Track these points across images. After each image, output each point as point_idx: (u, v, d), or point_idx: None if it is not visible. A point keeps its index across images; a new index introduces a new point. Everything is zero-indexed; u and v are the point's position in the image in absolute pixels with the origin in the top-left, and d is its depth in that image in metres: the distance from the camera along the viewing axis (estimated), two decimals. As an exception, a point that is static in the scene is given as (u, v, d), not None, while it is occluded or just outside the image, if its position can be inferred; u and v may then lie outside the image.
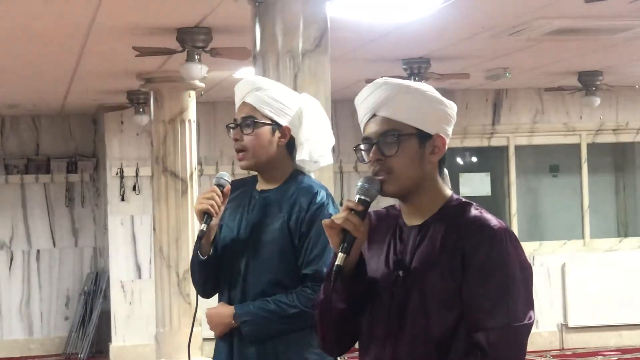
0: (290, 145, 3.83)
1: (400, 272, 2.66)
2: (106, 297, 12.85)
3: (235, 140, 3.80)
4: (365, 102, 2.72)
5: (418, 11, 7.38)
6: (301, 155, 3.82)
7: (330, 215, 3.66)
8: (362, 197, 2.63)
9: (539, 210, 13.11)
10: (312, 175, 3.93)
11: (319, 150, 3.87)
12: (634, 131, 12.87)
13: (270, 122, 3.78)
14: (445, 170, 2.76)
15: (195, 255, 3.83)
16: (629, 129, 12.85)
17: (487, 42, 8.72)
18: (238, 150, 3.81)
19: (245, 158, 3.79)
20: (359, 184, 2.66)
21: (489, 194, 12.59)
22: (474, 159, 13.08)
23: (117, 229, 12.55)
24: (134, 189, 12.56)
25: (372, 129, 2.69)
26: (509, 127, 12.60)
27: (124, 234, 12.55)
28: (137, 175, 12.53)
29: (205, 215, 3.73)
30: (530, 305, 2.60)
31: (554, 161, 13.11)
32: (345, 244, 2.62)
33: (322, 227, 3.68)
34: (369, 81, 2.78)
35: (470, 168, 12.96)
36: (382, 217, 2.80)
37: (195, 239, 3.85)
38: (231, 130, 3.84)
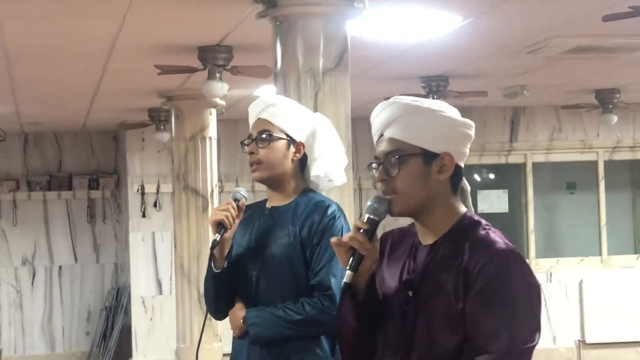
0: (302, 163, 3.87)
1: (410, 293, 2.63)
2: (127, 313, 12.88)
3: (251, 153, 3.84)
4: (375, 121, 2.71)
5: (436, 30, 7.39)
6: (315, 171, 3.87)
7: (342, 227, 3.73)
8: (371, 217, 2.62)
9: (557, 227, 13.07)
10: (324, 194, 3.95)
11: (332, 168, 3.91)
12: (651, 148, 12.86)
13: (286, 137, 3.83)
14: (467, 187, 2.72)
15: (209, 268, 3.84)
16: (645, 146, 12.84)
17: (504, 60, 8.72)
18: (253, 163, 3.85)
19: (258, 170, 3.84)
20: (369, 203, 2.65)
21: (507, 210, 12.55)
22: (492, 176, 13.05)
23: (138, 245, 12.58)
24: (154, 205, 12.59)
25: (380, 148, 2.68)
26: (526, 144, 12.58)
27: (145, 250, 12.58)
28: (158, 192, 12.55)
29: (219, 226, 3.76)
30: (535, 327, 2.53)
31: (571, 178, 13.08)
32: (353, 262, 2.60)
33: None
34: (387, 99, 2.76)
35: (488, 185, 12.93)
36: (404, 235, 2.77)
37: (209, 252, 3.87)
38: (245, 146, 3.88)
